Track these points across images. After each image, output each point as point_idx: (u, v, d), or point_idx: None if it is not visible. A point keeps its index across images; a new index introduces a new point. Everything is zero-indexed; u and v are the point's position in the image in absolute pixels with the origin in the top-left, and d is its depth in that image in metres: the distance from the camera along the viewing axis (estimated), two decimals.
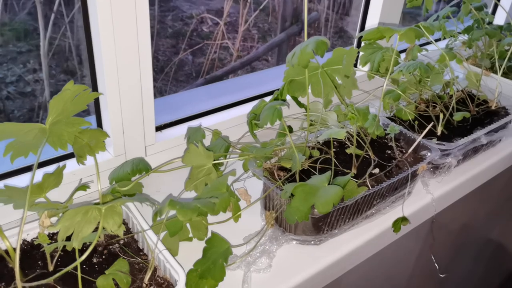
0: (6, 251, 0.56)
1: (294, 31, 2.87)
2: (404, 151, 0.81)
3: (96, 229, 0.52)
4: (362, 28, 1.10)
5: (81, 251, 0.59)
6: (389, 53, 0.93)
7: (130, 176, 0.69)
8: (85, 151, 0.61)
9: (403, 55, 1.14)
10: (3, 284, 0.54)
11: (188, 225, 0.66)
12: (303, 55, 0.67)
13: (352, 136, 0.81)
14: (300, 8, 2.84)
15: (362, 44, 0.90)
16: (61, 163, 0.72)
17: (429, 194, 0.81)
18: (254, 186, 0.77)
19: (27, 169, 0.70)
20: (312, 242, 0.69)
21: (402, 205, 0.76)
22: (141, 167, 0.70)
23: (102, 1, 0.63)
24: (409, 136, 0.83)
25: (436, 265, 0.87)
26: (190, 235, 0.67)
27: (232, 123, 0.90)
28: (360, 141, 0.79)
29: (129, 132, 0.76)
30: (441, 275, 0.89)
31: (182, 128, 0.85)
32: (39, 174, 0.71)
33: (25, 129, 0.56)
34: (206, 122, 0.88)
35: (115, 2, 0.64)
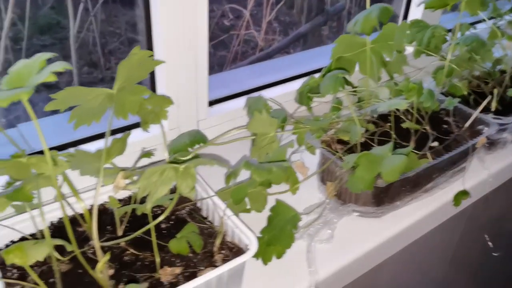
0: (80, 215, 0.56)
1: (319, 21, 2.85)
2: (460, 126, 0.79)
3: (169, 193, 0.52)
4: (408, 3, 1.08)
5: (157, 217, 0.58)
6: (438, 30, 0.91)
7: (188, 147, 0.68)
8: (150, 118, 0.61)
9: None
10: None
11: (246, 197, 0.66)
12: (366, 21, 0.66)
13: (408, 111, 0.80)
14: None
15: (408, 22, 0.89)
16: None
17: (485, 170, 0.80)
18: (306, 161, 0.76)
19: (88, 140, 0.71)
20: (374, 214, 0.68)
21: (463, 178, 0.74)
22: (198, 138, 0.69)
23: None
24: (465, 111, 0.81)
25: (489, 243, 0.85)
26: (248, 206, 0.67)
27: (279, 100, 0.90)
28: (417, 115, 0.77)
29: (183, 106, 0.75)
30: (495, 254, 0.87)
31: (232, 104, 0.85)
32: (98, 145, 0.71)
33: (93, 94, 0.56)
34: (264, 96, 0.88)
35: None
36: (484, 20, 1.07)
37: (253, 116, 0.60)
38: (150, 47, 0.72)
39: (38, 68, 0.41)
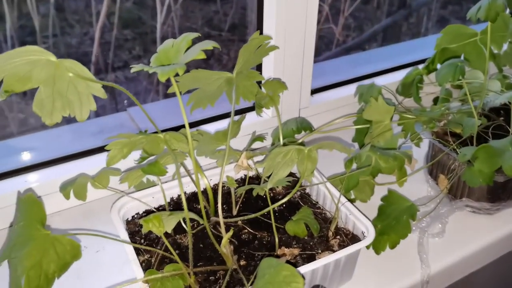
0: (202, 192, 0.58)
1: (402, 15, 2.75)
2: None
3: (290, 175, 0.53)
4: None
5: (260, 198, 0.60)
6: None
7: (295, 133, 0.69)
8: (264, 102, 0.62)
9: None
10: (195, 222, 0.56)
11: None
12: (492, 7, 0.62)
13: None
14: None
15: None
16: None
17: None
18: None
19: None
20: (487, 210, 0.64)
21: None
22: (304, 125, 0.70)
23: None
24: None
25: None
26: (352, 196, 0.66)
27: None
28: None
29: (287, 93, 0.76)
30: None
31: (332, 93, 0.84)
32: (208, 128, 0.74)
33: (214, 77, 0.58)
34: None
35: None
36: None
37: (369, 103, 0.59)
38: (260, 33, 0.73)
39: (185, 46, 0.43)
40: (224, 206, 0.59)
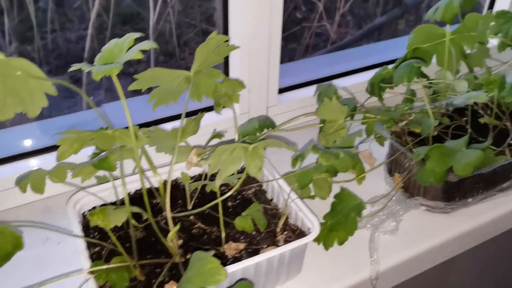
0: (155, 188, 0.60)
1: (395, 14, 2.75)
2: None
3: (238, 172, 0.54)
4: None
5: (220, 194, 0.61)
6: None
7: (257, 132, 0.70)
8: (223, 101, 0.64)
9: None
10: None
11: (310, 184, 0.66)
12: (448, 9, 0.64)
13: (487, 106, 0.76)
14: None
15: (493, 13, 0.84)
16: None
17: None
18: (374, 152, 0.75)
19: (164, 120, 0.75)
20: (443, 209, 0.66)
21: None
22: (267, 123, 0.71)
23: None
24: None
25: None
26: (312, 193, 0.68)
27: (352, 90, 0.89)
28: (497, 111, 0.73)
29: (254, 91, 0.77)
30: None
31: (302, 92, 0.85)
32: (174, 125, 0.76)
33: (172, 76, 0.59)
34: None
35: None
36: None
37: (323, 102, 0.61)
38: (226, 32, 0.75)
39: (127, 46, 0.45)
40: (180, 201, 0.60)
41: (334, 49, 2.73)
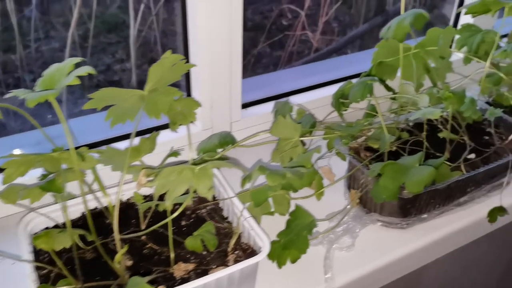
0: (106, 208, 0.60)
1: (377, 22, 2.77)
2: (504, 138, 0.75)
3: (188, 192, 0.55)
4: (461, 3, 1.03)
5: (173, 213, 0.61)
6: (490, 35, 0.87)
7: (217, 148, 0.71)
8: (178, 119, 0.64)
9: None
10: (100, 237, 0.57)
11: (270, 199, 0.67)
12: (399, 28, 0.64)
13: (446, 120, 0.77)
14: None
15: (459, 26, 0.85)
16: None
17: None
18: (336, 167, 0.75)
19: (125, 137, 0.75)
20: (399, 225, 0.66)
21: (500, 194, 0.70)
22: (228, 139, 0.71)
23: None
24: (510, 122, 0.76)
25: None
26: (272, 209, 0.68)
27: (317, 103, 0.89)
28: (455, 125, 0.74)
29: (216, 107, 0.78)
30: None
31: (268, 106, 0.86)
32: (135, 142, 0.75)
33: (126, 95, 0.60)
34: (291, 101, 0.88)
35: None
36: None
37: (277, 120, 0.61)
38: (186, 49, 0.75)
39: (67, 71, 0.45)
40: (133, 221, 0.60)
41: (318, 56, 2.75)
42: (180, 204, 0.62)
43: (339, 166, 0.76)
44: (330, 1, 2.61)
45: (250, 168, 0.63)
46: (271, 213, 0.68)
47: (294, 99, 0.89)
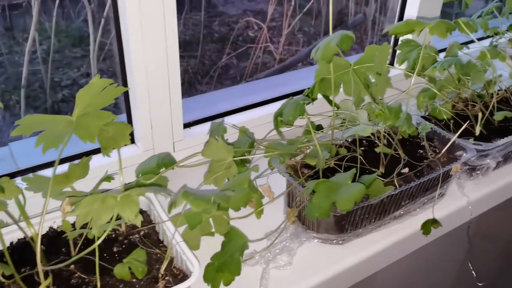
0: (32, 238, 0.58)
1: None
2: (437, 151, 0.77)
3: (116, 218, 0.54)
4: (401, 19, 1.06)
5: (110, 241, 0.60)
6: (426, 51, 0.90)
7: (155, 170, 0.70)
8: (110, 144, 0.63)
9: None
10: (28, 267, 0.56)
11: (211, 219, 0.67)
12: (327, 49, 0.66)
13: (383, 135, 0.79)
14: (345, 10, 2.80)
15: (400, 42, 0.88)
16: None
17: (464, 196, 0.77)
18: (280, 184, 0.76)
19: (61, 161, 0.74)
20: (335, 241, 0.67)
21: (433, 207, 0.72)
22: (166, 161, 0.71)
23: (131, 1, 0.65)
24: (444, 136, 0.79)
25: (473, 272, 0.82)
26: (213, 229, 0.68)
27: (262, 120, 0.90)
28: (390, 139, 0.76)
29: (157, 128, 0.77)
30: (479, 284, 0.84)
31: (209, 126, 0.86)
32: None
33: (54, 121, 0.59)
34: (236, 119, 0.89)
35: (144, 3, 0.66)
36: (490, 37, 1.04)
37: (208, 143, 0.61)
38: (123, 70, 0.75)
39: None
40: (63, 249, 0.59)
41: (281, 68, 2.78)
42: (114, 230, 0.62)
43: (282, 184, 0.76)
44: (292, 14, 2.65)
45: (176, 193, 0.63)
46: (211, 234, 0.67)
47: (239, 117, 0.89)
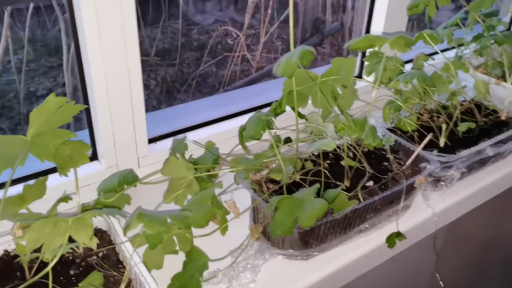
0: None
1: (314, 41, 2.85)
2: (402, 164, 0.78)
3: (72, 241, 0.53)
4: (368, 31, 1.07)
5: (67, 263, 0.59)
6: (391, 63, 0.91)
7: (118, 188, 0.69)
8: (68, 163, 0.62)
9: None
10: None
11: (175, 237, 0.65)
12: (288, 65, 0.66)
13: (349, 148, 0.79)
14: (320, 19, 2.83)
15: (367, 53, 0.88)
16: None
17: (429, 208, 0.78)
18: (247, 198, 0.75)
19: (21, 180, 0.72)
20: (299, 257, 0.67)
21: (397, 220, 0.72)
22: (128, 179, 0.70)
23: (88, 13, 0.64)
24: (408, 148, 0.79)
25: (440, 282, 0.82)
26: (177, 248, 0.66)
27: (230, 134, 0.90)
28: (356, 152, 0.76)
29: (120, 144, 0.76)
30: None
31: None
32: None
33: (8, 141, 0.57)
34: (203, 133, 0.88)
35: (101, 13, 0.65)
36: (460, 46, 1.05)
37: (168, 161, 0.60)
38: (84, 85, 0.73)
39: None
40: (18, 273, 0.57)
41: (257, 76, 2.78)
42: (71, 252, 0.60)
43: (249, 199, 0.76)
44: (270, 21, 2.66)
45: (131, 215, 0.62)
46: (175, 252, 0.66)
47: (206, 131, 0.88)
